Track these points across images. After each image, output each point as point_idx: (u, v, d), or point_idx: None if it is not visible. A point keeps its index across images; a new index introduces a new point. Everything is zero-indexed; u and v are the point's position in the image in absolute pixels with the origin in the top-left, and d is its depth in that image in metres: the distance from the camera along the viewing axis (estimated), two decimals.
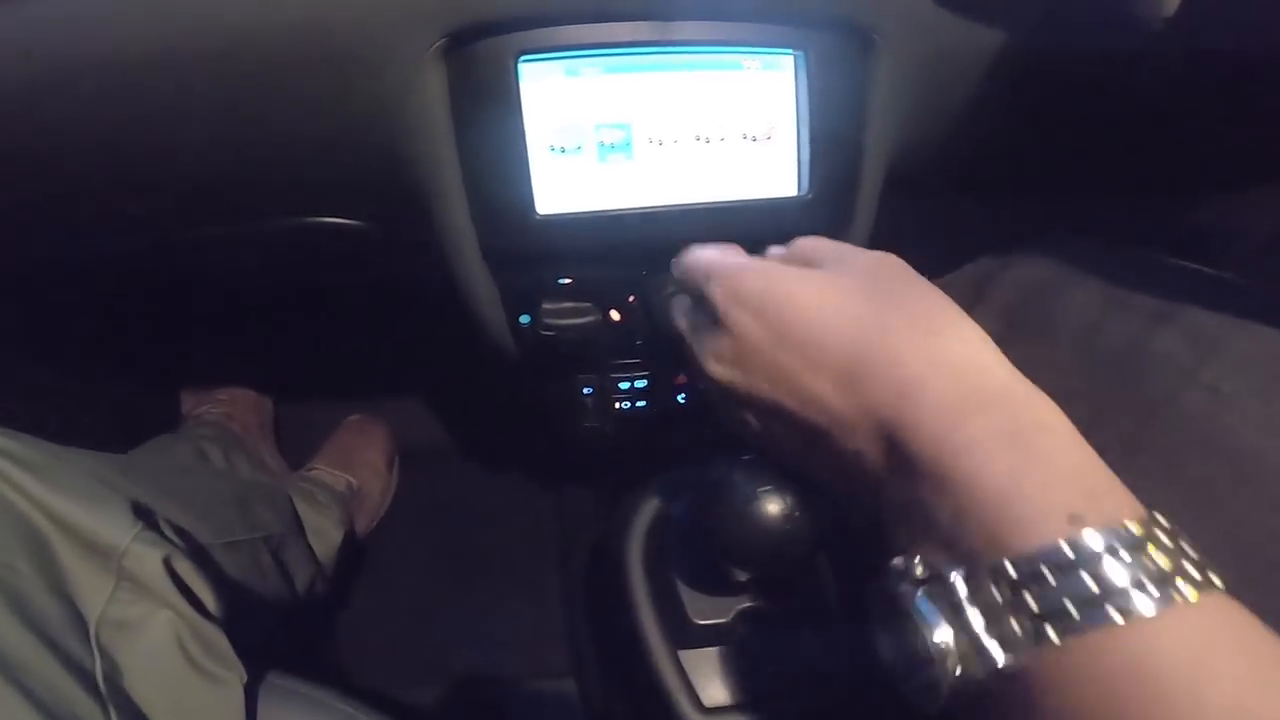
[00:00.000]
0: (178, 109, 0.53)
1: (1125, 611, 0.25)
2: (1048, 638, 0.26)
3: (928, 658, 0.28)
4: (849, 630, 0.56)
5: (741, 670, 0.58)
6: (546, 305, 0.61)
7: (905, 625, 0.29)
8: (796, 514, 0.42)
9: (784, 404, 0.37)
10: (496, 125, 0.53)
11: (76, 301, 0.98)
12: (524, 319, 0.63)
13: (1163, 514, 0.28)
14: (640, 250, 0.59)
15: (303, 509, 0.97)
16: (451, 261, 0.61)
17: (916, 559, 0.31)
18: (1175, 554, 0.27)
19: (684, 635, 0.75)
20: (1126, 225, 0.87)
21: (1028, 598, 0.26)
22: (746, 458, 0.44)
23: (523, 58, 0.52)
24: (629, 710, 0.87)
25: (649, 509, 0.61)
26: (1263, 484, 0.38)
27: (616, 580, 0.87)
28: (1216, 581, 0.27)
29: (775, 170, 0.59)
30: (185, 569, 0.59)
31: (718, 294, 0.40)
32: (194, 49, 0.49)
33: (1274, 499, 0.38)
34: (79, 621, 0.52)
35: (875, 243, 0.65)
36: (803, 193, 0.59)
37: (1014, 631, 0.26)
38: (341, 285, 0.98)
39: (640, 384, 0.72)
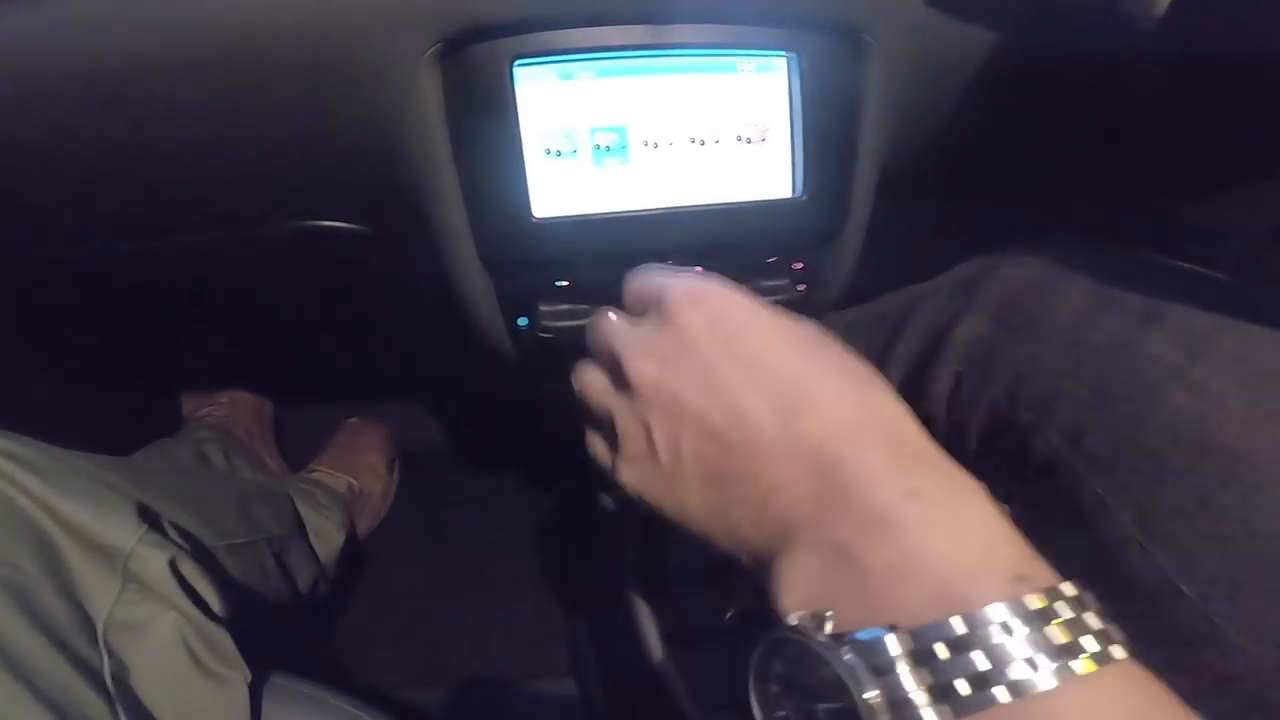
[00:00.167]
0: (175, 114, 0.53)
1: (1018, 687, 0.25)
2: (990, 697, 0.25)
3: (853, 713, 0.27)
4: None
5: (741, 669, 0.58)
6: (544, 308, 0.62)
7: (823, 682, 0.28)
8: None
9: (708, 416, 0.34)
10: (492, 129, 0.54)
11: (76, 304, 0.98)
12: (521, 321, 0.63)
13: (1070, 583, 0.28)
14: (636, 252, 0.59)
15: (304, 510, 0.97)
16: (449, 265, 0.61)
17: (829, 612, 0.29)
18: (1075, 626, 0.27)
19: (684, 635, 0.76)
20: (1119, 225, 0.87)
21: (971, 658, 0.26)
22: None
23: (517, 62, 0.52)
24: (629, 710, 0.88)
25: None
26: (1251, 483, 0.38)
27: (616, 581, 0.87)
28: (1117, 653, 0.27)
29: (770, 172, 0.59)
30: (190, 570, 0.59)
31: (675, 291, 0.38)
32: (192, 54, 0.49)
33: (1262, 497, 0.38)
34: (86, 622, 0.52)
35: (869, 243, 0.66)
36: (797, 194, 0.59)
37: (955, 691, 0.26)
38: (340, 288, 0.98)
39: None
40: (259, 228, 0.69)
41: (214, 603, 0.60)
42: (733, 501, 0.34)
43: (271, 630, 0.73)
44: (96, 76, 0.49)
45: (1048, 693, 0.25)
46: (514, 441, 1.28)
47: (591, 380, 0.41)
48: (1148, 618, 0.41)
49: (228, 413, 1.20)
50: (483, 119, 0.54)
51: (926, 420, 0.53)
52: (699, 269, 0.46)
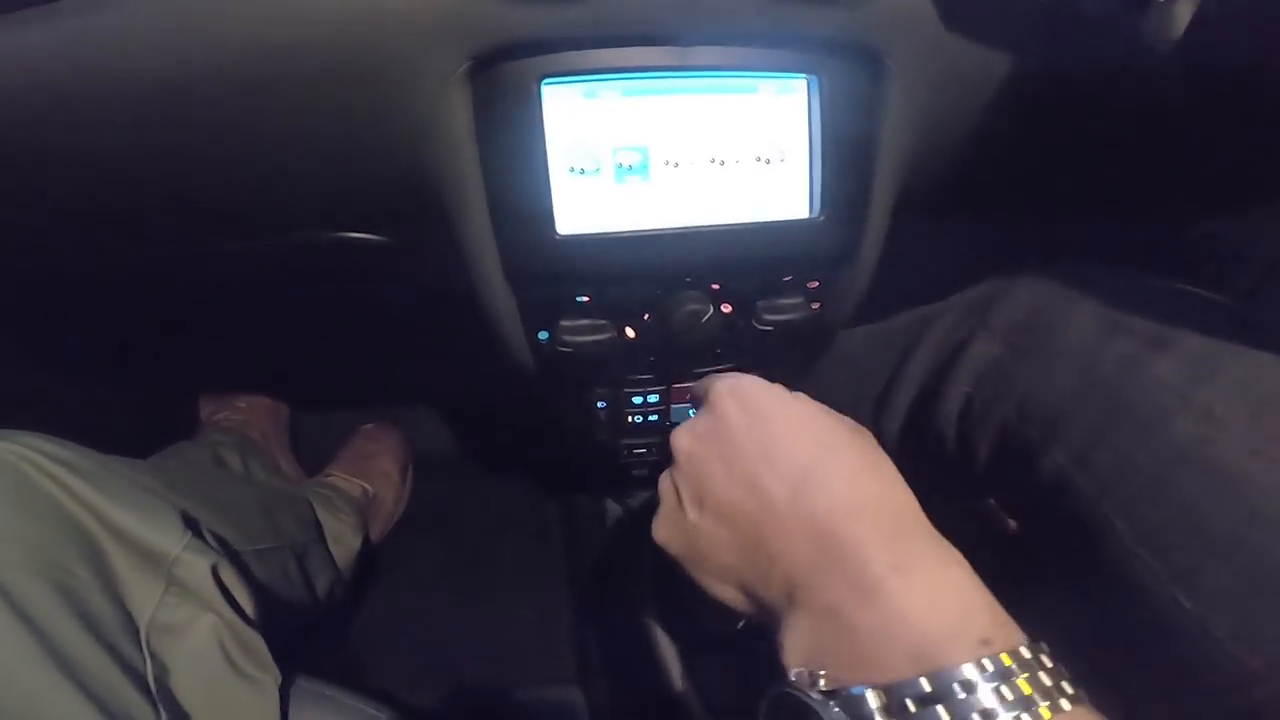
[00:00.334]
0: (206, 127, 0.53)
1: None
2: None
3: None
4: None
5: (750, 676, 0.59)
6: (564, 322, 0.63)
7: None
8: None
9: (729, 489, 0.40)
10: (520, 146, 0.54)
11: (98, 309, 0.99)
12: (542, 335, 0.64)
13: (1028, 645, 0.32)
14: (655, 270, 0.60)
15: (323, 515, 0.98)
16: (473, 278, 0.62)
17: (821, 670, 0.33)
18: (1030, 682, 0.31)
19: (693, 641, 0.76)
20: (1132, 246, 0.88)
21: (938, 711, 0.30)
22: None
23: (545, 80, 0.53)
24: (639, 716, 0.88)
25: None
26: (1252, 502, 0.39)
27: (626, 587, 0.88)
28: (1065, 705, 0.31)
29: (788, 192, 0.59)
30: (227, 575, 0.61)
31: (720, 385, 0.44)
32: (225, 68, 0.50)
33: (1263, 517, 0.39)
34: (130, 624, 0.54)
35: (883, 264, 0.67)
36: (814, 214, 0.60)
37: None
38: (360, 296, 0.99)
39: (653, 398, 0.73)
40: (285, 238, 0.69)
41: (247, 607, 0.61)
42: (745, 564, 0.39)
43: (295, 634, 0.74)
44: (129, 89, 0.50)
45: None
46: (527, 449, 1.29)
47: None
48: (1149, 631, 0.43)
49: (245, 417, 1.21)
50: (511, 136, 0.54)
51: (938, 437, 0.54)
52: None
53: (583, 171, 0.56)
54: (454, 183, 0.57)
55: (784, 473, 0.39)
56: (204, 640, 0.57)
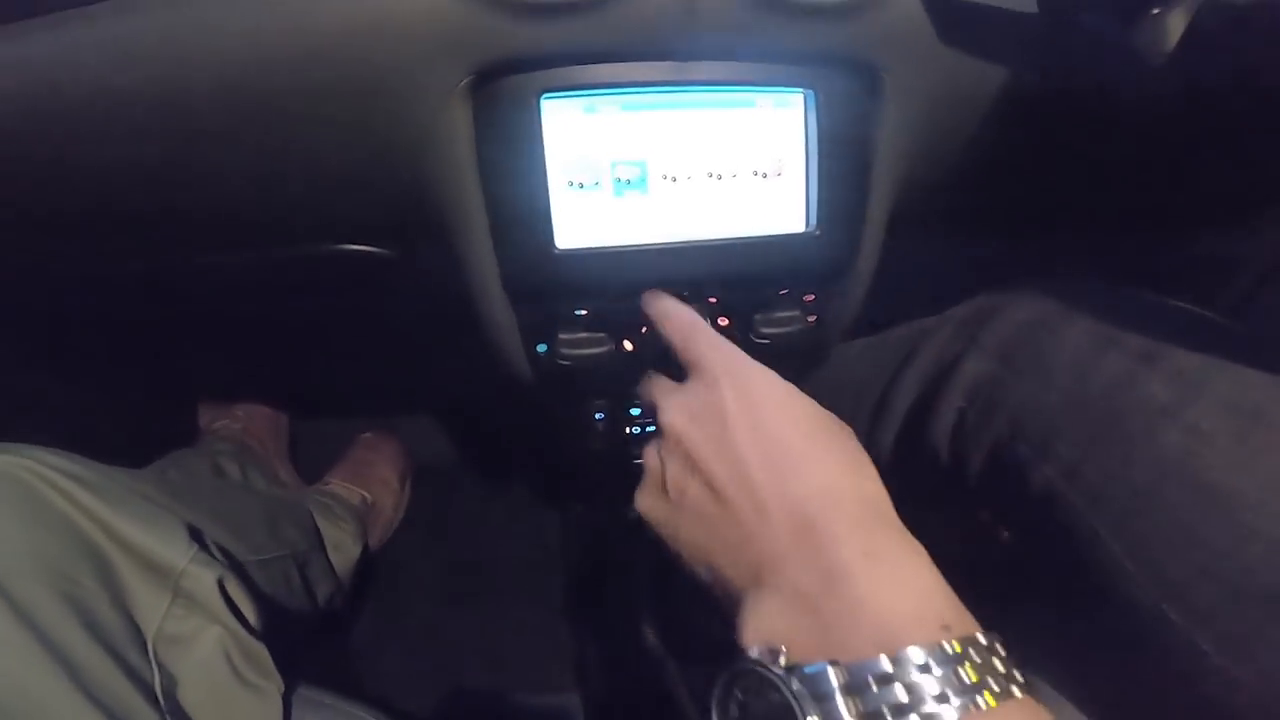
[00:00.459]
0: (208, 139, 0.54)
1: (930, 717, 0.30)
2: None
3: None
4: None
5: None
6: (563, 335, 0.63)
7: (774, 708, 0.33)
8: None
9: (715, 471, 0.41)
10: (520, 160, 0.54)
11: (96, 316, 0.99)
12: (541, 348, 0.64)
13: (984, 633, 0.34)
14: (654, 284, 0.60)
15: (322, 524, 0.98)
16: (473, 291, 0.62)
17: (783, 647, 0.34)
18: (984, 668, 0.32)
19: (690, 649, 0.77)
20: (1124, 259, 0.88)
21: (895, 690, 0.31)
22: None
23: (545, 95, 0.53)
24: None
25: None
26: (1239, 517, 0.40)
27: (624, 596, 0.88)
28: (1016, 693, 0.32)
29: (784, 206, 0.60)
30: (232, 587, 0.61)
31: (717, 365, 0.45)
32: (227, 80, 0.50)
33: (1251, 531, 0.39)
34: (138, 635, 0.55)
35: (878, 279, 0.67)
36: (810, 229, 0.60)
37: (881, 718, 0.31)
38: (358, 307, 0.99)
39: None
40: (285, 250, 0.69)
41: (250, 616, 0.62)
42: (718, 541, 0.41)
43: (297, 643, 0.75)
44: (129, 101, 0.50)
45: None
46: (525, 458, 1.29)
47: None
48: (1138, 644, 0.43)
49: (244, 425, 1.21)
50: (511, 150, 0.54)
51: (931, 450, 0.55)
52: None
53: (582, 186, 0.56)
54: (454, 196, 0.57)
55: (772, 460, 0.40)
56: (210, 651, 0.58)
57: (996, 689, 0.32)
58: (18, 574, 0.49)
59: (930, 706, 0.31)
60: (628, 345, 0.64)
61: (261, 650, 0.61)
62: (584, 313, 0.62)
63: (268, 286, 0.87)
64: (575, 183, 0.56)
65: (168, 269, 0.75)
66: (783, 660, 0.34)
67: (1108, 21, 0.50)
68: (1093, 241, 0.89)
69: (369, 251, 0.69)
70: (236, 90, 0.51)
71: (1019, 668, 0.33)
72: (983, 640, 0.33)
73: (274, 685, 0.60)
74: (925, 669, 0.31)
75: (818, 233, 0.60)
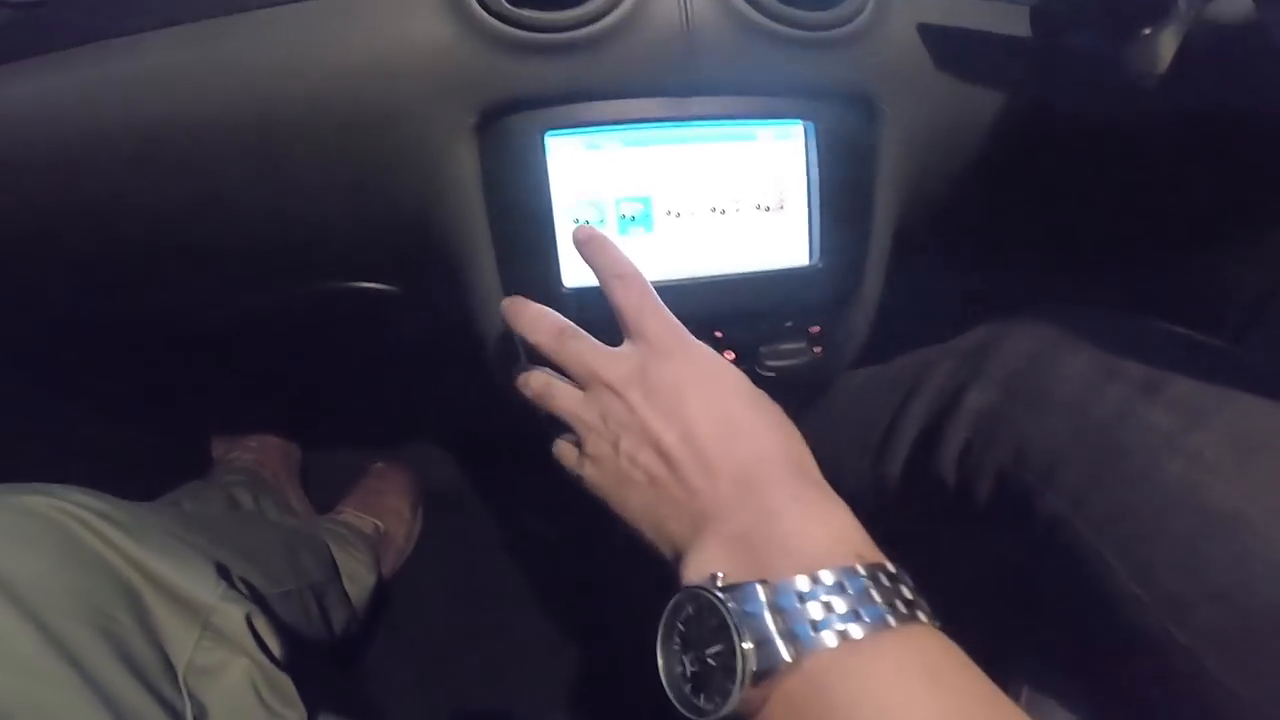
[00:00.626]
0: (218, 177, 0.55)
1: (843, 633, 0.35)
2: (820, 640, 0.35)
3: (730, 650, 0.35)
4: None
5: None
6: None
7: (711, 630, 0.37)
8: None
9: (665, 439, 0.45)
10: (525, 198, 0.56)
11: (109, 350, 1.00)
12: None
13: (892, 564, 0.39)
14: None
15: (337, 553, 0.99)
16: (480, 328, 0.63)
17: (720, 575, 0.38)
18: (891, 593, 0.37)
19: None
20: (1125, 280, 0.88)
21: (808, 608, 0.36)
22: None
23: (549, 133, 0.54)
24: None
25: None
26: (1244, 541, 0.40)
27: (634, 618, 0.88)
28: (922, 617, 0.37)
29: (787, 240, 0.61)
30: (259, 622, 0.64)
31: (664, 339, 0.49)
32: (239, 120, 0.51)
33: (1256, 552, 0.40)
34: (169, 668, 0.57)
35: (880, 310, 0.67)
36: (813, 261, 0.61)
37: (798, 634, 0.35)
38: (367, 340, 1.00)
39: None
40: (293, 287, 0.70)
41: (275, 648, 0.64)
42: (664, 500, 0.44)
43: (315, 670, 0.75)
44: (139, 139, 0.52)
45: (863, 639, 0.35)
46: (534, 487, 1.29)
47: (564, 395, 0.51)
48: (1146, 666, 0.44)
49: (256, 456, 1.22)
50: (517, 188, 0.55)
51: (939, 478, 0.55)
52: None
53: (587, 223, 0.57)
54: (462, 234, 0.58)
55: (718, 422, 0.45)
56: (238, 681, 0.60)
57: (904, 611, 0.36)
58: (57, 611, 0.51)
59: (840, 624, 0.35)
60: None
61: (285, 680, 0.63)
62: None
63: (280, 323, 0.88)
64: (581, 220, 0.57)
65: (178, 306, 0.76)
66: (720, 582, 0.38)
67: (1100, 43, 0.51)
68: (1091, 264, 0.89)
69: (379, 289, 0.70)
70: (247, 130, 0.52)
71: (924, 603, 0.38)
72: (890, 569, 0.39)
73: (297, 713, 0.62)
74: (839, 589, 0.36)
75: (820, 265, 0.61)
